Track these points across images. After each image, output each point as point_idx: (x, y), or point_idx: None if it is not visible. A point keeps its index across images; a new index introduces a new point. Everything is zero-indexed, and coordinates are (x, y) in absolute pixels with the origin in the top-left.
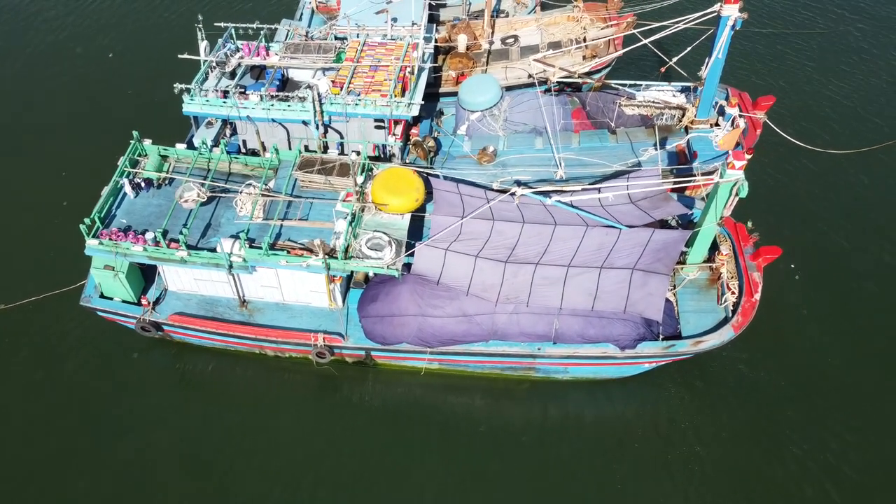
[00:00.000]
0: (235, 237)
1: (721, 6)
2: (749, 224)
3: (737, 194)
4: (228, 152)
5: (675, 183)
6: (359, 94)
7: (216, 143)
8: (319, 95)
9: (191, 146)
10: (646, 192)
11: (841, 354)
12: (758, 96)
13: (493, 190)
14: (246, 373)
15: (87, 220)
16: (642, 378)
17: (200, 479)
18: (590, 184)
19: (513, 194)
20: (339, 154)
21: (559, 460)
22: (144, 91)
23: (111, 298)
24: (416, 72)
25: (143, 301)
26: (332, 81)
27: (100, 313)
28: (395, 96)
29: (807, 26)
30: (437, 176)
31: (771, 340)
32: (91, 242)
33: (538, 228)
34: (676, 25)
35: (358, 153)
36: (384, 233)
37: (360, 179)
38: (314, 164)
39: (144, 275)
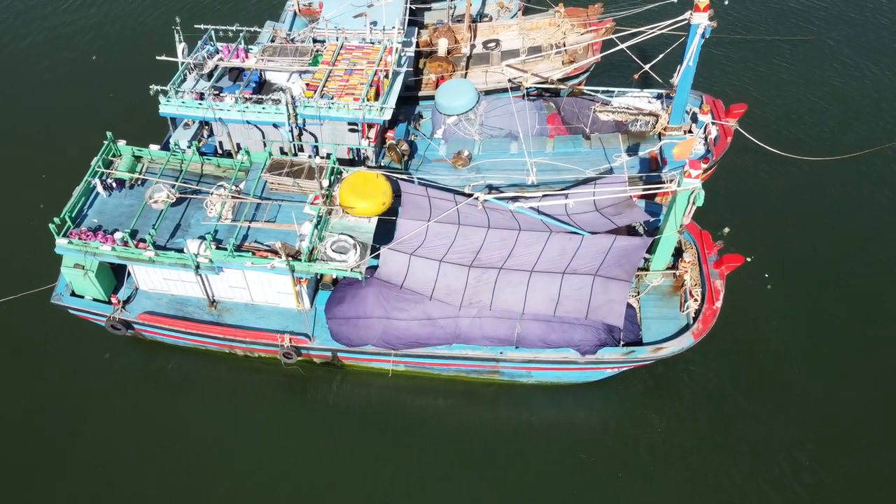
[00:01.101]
0: (202, 238)
1: (691, 14)
2: (726, 231)
3: (694, 202)
4: (204, 154)
5: (644, 190)
6: (332, 98)
7: (190, 144)
8: (293, 98)
9: (168, 147)
10: (611, 198)
11: (808, 368)
12: (733, 104)
13: (463, 194)
14: (216, 372)
15: (56, 220)
16: (608, 383)
17: (167, 478)
18: (560, 189)
19: (476, 198)
20: (310, 157)
21: (521, 463)
22: (126, 93)
23: (82, 297)
24: (390, 76)
25: (114, 300)
26: (307, 84)
27: (71, 311)
28: (369, 100)
29: (787, 34)
30: (411, 181)
31: (739, 350)
32: (61, 241)
33: (502, 234)
34: (650, 32)
35: (328, 156)
36: (350, 236)
37: (325, 183)
38: (283, 166)
39: (117, 274)
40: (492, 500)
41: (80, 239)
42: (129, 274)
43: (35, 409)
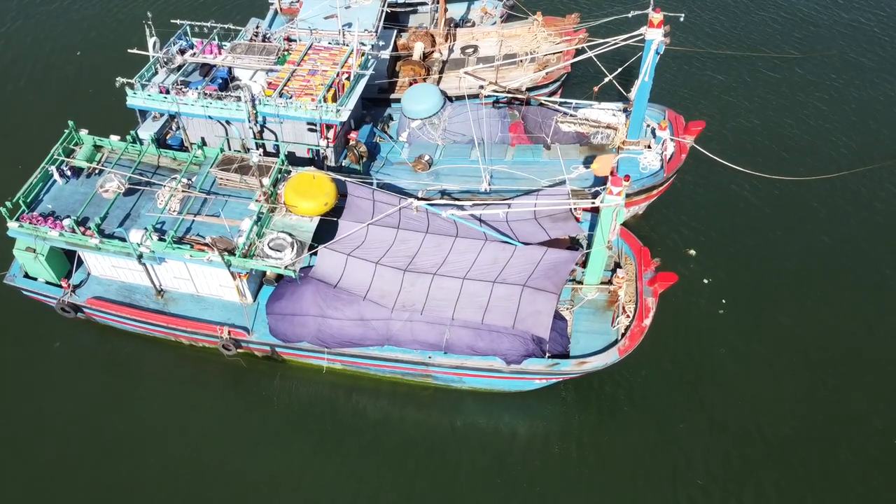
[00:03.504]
0: (145, 229)
1: (646, 30)
2: (692, 253)
3: (616, 218)
4: (170, 147)
5: (575, 204)
6: (290, 98)
7: (157, 136)
8: (252, 96)
9: (139, 139)
10: (551, 209)
11: (749, 397)
12: (692, 121)
13: (415, 198)
14: (162, 359)
15: (8, 204)
16: (544, 393)
17: (105, 463)
18: (511, 198)
19: (410, 204)
20: (258, 154)
21: (448, 465)
22: (106, 88)
23: (35, 279)
24: (352, 78)
25: (64, 283)
26: (269, 83)
27: (23, 292)
28: (327, 101)
29: (760, 51)
30: (368, 183)
31: (680, 371)
32: (12, 225)
33: (439, 239)
34: (610, 45)
35: (275, 154)
36: (289, 234)
37: (265, 181)
38: (234, 162)
39: (72, 259)
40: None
41: (30, 223)
42: (82, 259)
43: None
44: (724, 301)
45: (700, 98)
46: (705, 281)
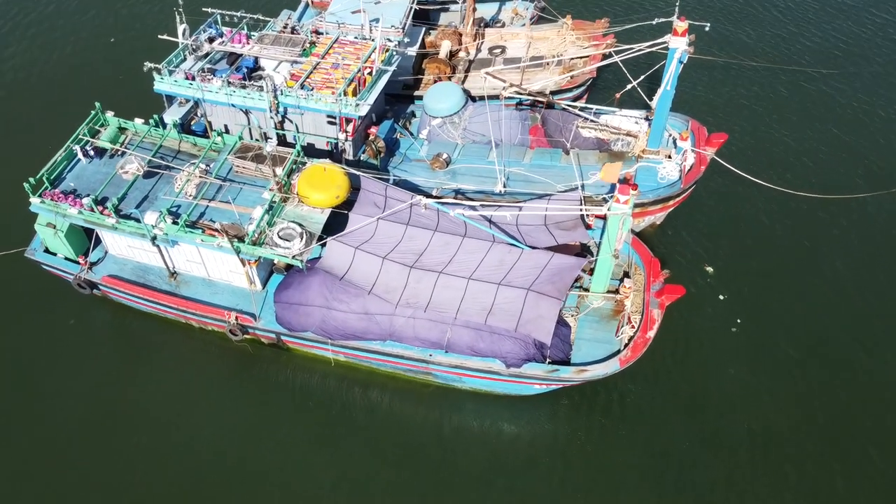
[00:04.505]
0: (160, 211)
1: (669, 38)
2: (710, 270)
3: (622, 227)
4: (194, 132)
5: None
6: (311, 90)
7: (182, 121)
8: (275, 86)
9: (163, 123)
10: (561, 215)
11: (754, 421)
12: (714, 132)
13: (432, 197)
14: (171, 340)
15: (32, 180)
16: (544, 399)
17: (106, 438)
18: (523, 201)
19: (419, 202)
20: (283, 145)
21: (443, 464)
22: (136, 74)
23: (55, 254)
24: (374, 74)
25: (81, 260)
26: (292, 74)
27: (43, 266)
28: (347, 95)
29: (790, 64)
30: (385, 178)
31: (686, 388)
32: (34, 200)
33: (447, 238)
34: (634, 52)
35: (294, 145)
36: (299, 224)
37: (280, 171)
38: (250, 150)
39: (91, 237)
40: (406, 498)
41: (52, 200)
42: (101, 237)
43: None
44: (738, 321)
45: (725, 110)
46: (721, 297)
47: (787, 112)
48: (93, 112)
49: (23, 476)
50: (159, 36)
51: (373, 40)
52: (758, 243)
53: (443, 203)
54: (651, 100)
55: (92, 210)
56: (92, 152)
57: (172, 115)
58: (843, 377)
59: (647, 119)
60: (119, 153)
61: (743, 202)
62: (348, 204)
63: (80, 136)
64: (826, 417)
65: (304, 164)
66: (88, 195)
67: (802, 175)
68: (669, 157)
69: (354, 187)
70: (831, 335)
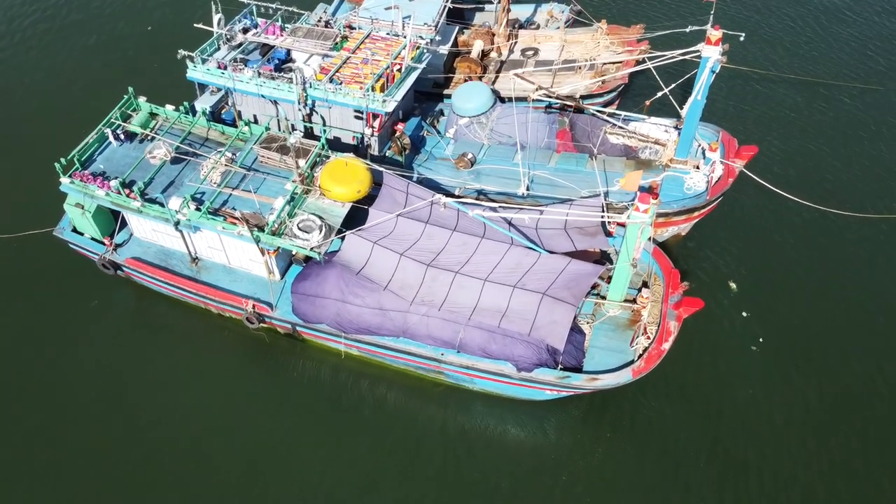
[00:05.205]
0: (184, 197)
1: (702, 47)
2: (733, 286)
3: (641, 236)
4: (224, 121)
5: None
6: (340, 84)
7: (213, 110)
8: (304, 79)
9: (194, 110)
10: (582, 220)
11: (769, 449)
12: (744, 145)
13: (453, 196)
14: (190, 324)
15: (63, 160)
16: (554, 406)
17: (119, 417)
18: (544, 205)
19: (437, 200)
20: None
21: (447, 464)
22: (171, 62)
23: (82, 234)
24: (403, 70)
25: (107, 241)
26: (322, 68)
27: (70, 245)
28: (375, 91)
29: (828, 78)
30: (410, 176)
31: (704, 408)
32: (64, 180)
33: (465, 238)
34: (666, 59)
35: (317, 137)
36: (319, 216)
37: (302, 163)
38: (276, 141)
39: (118, 219)
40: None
41: (81, 181)
42: (126, 220)
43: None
44: (760, 340)
45: (757, 122)
46: (744, 314)
47: (822, 127)
48: (126, 96)
49: (32, 449)
50: (194, 24)
51: (405, 37)
52: (786, 261)
53: (462, 203)
54: (682, 108)
55: (119, 193)
56: (123, 136)
57: (204, 104)
58: (866, 412)
59: (676, 128)
60: (149, 138)
61: (771, 217)
62: (370, 199)
63: (112, 120)
64: (843, 453)
65: (327, 157)
66: (116, 178)
67: (835, 192)
68: (697, 167)
69: (376, 183)
70: (857, 365)
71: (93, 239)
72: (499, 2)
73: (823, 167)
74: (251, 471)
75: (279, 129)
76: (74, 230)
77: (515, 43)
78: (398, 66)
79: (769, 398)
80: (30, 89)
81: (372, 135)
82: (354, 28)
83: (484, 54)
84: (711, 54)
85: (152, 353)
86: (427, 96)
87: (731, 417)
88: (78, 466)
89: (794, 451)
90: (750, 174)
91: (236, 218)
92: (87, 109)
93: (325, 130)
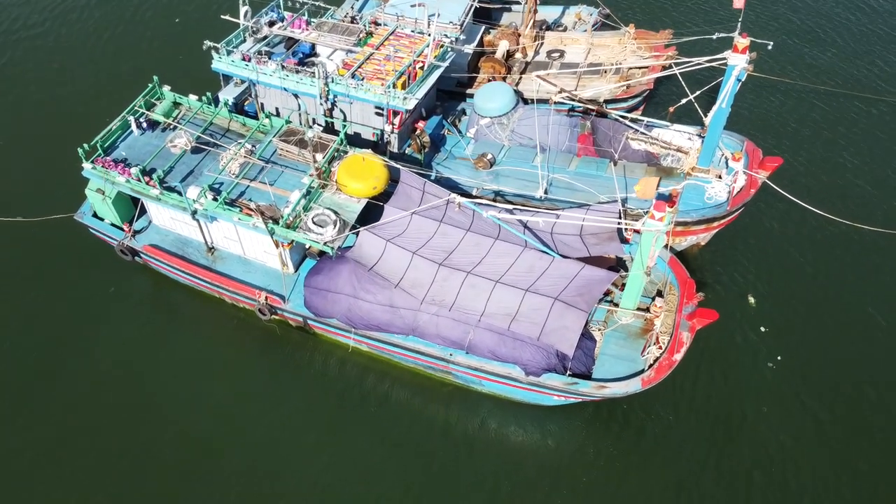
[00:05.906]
0: (201, 186)
1: (729, 54)
2: (752, 301)
3: (655, 245)
4: (247, 113)
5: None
6: (362, 80)
7: (236, 101)
8: (326, 73)
9: (217, 101)
10: (598, 226)
11: (778, 471)
12: (768, 156)
13: (471, 197)
14: (204, 313)
15: (86, 146)
16: (562, 411)
17: (127, 404)
18: (561, 209)
19: (451, 200)
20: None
21: (448, 465)
22: (197, 53)
23: (102, 220)
24: (426, 68)
25: (126, 227)
26: (344, 63)
27: (90, 230)
28: (396, 88)
29: (858, 90)
30: (428, 174)
31: (714, 423)
32: (86, 166)
33: (479, 239)
34: (692, 66)
35: (337, 132)
36: (334, 211)
37: (320, 157)
38: (295, 135)
39: (138, 206)
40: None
41: (103, 167)
42: (145, 208)
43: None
44: (778, 357)
45: (783, 132)
46: (762, 329)
47: (850, 140)
48: (150, 85)
49: (40, 426)
50: (221, 16)
51: (429, 35)
52: (808, 276)
53: (477, 203)
54: (706, 116)
55: (139, 180)
56: (145, 124)
57: (227, 95)
58: (879, 440)
59: (699, 136)
60: (171, 127)
61: (794, 231)
62: (386, 195)
63: (136, 108)
64: (852, 482)
65: (346, 152)
66: (137, 165)
67: (861, 207)
68: (720, 177)
69: (393, 179)
70: (873, 392)
71: (112, 225)
72: (526, 3)
73: (850, 181)
74: (254, 459)
75: (300, 123)
76: (95, 215)
77: (541, 44)
78: (421, 64)
79: (784, 419)
80: (59, 76)
81: (392, 132)
82: (380, 24)
83: (509, 55)
84: (738, 62)
85: (165, 339)
86: (450, 95)
87: (738, 434)
88: (79, 447)
89: (806, 475)
90: (773, 185)
91: (251, 209)
92: (113, 96)
93: (344, 125)
